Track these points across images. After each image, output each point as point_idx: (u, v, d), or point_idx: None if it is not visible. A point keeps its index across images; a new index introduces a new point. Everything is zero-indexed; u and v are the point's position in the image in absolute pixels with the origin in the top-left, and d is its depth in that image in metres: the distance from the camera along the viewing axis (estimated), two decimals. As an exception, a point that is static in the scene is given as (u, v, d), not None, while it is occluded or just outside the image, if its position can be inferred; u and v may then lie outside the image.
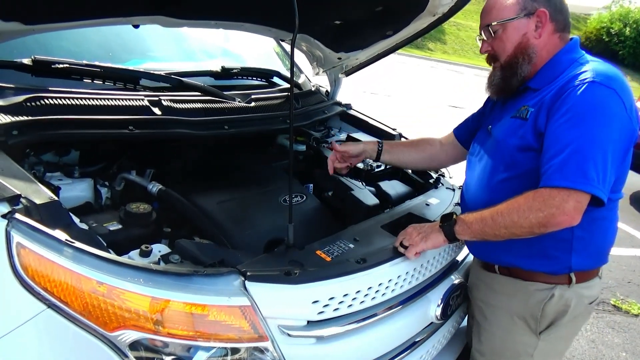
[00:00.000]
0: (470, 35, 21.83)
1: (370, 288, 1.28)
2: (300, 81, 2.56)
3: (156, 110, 1.65)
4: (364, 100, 7.24)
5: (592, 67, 1.33)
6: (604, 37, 24.14)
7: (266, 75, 2.35)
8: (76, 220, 1.20)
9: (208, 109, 1.82)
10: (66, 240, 1.02)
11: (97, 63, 1.66)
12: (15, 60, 1.53)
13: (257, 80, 2.33)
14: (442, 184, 2.07)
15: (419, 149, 1.86)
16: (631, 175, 1.70)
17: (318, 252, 1.33)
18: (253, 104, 2.00)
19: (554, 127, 1.29)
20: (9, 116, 1.33)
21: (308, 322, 1.18)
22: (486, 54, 1.53)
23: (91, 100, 1.53)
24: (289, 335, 1.14)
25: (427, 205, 1.83)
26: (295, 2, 1.15)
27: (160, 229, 1.47)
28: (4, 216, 1.02)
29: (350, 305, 1.24)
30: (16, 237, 1.01)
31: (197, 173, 1.82)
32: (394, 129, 2.47)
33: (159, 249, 1.28)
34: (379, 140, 1.86)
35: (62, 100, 1.47)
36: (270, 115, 2.01)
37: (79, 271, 1.00)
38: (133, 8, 1.60)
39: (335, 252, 1.35)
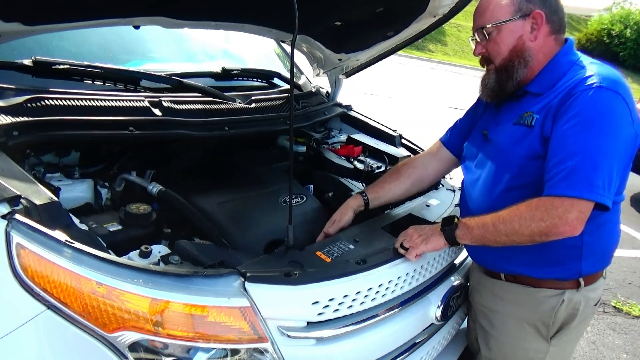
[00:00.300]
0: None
1: (370, 289, 1.27)
2: (300, 82, 2.56)
3: (156, 111, 1.65)
4: (365, 102, 7.23)
5: (595, 70, 1.31)
6: (604, 39, 24.12)
7: (266, 76, 2.35)
8: (76, 221, 1.20)
9: (208, 110, 1.82)
10: (66, 241, 1.01)
11: (97, 64, 1.66)
12: (15, 61, 1.54)
13: (257, 81, 2.33)
14: (442, 185, 2.06)
15: (404, 176, 1.72)
16: (632, 177, 1.70)
17: (318, 253, 1.33)
18: (253, 105, 2.00)
19: (560, 132, 1.27)
20: (10, 117, 1.33)
21: (308, 323, 1.18)
22: (479, 56, 1.49)
23: (91, 101, 1.53)
24: (288, 336, 1.14)
25: (427, 206, 1.83)
26: (295, 3, 1.15)
27: (160, 230, 1.47)
28: (3, 217, 1.02)
29: (350, 306, 1.24)
30: (16, 238, 1.01)
31: (197, 174, 1.82)
32: (394, 130, 2.47)
33: (159, 249, 1.27)
34: (361, 192, 1.70)
35: (63, 101, 1.47)
36: (271, 116, 2.01)
37: (79, 272, 1.00)
38: (133, 9, 1.60)
39: (335, 253, 1.35)
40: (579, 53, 1.43)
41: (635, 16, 24.55)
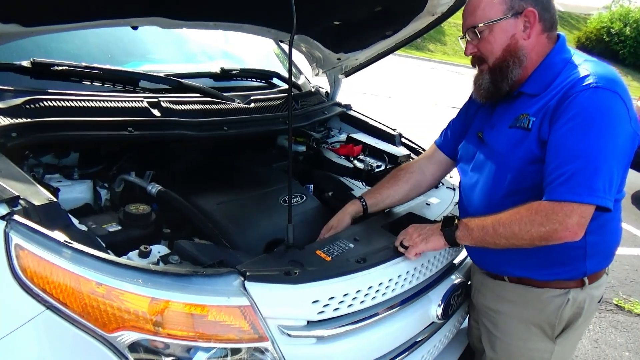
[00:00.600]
0: (471, 36, 21.73)
1: (370, 288, 1.27)
2: (299, 82, 2.56)
3: (155, 112, 1.65)
4: (364, 101, 7.23)
5: (591, 70, 1.29)
6: (604, 37, 24.09)
7: (265, 76, 2.35)
8: (75, 221, 1.20)
9: (207, 110, 1.82)
10: (65, 241, 1.01)
11: (96, 65, 1.66)
12: (14, 62, 1.54)
13: (256, 81, 2.33)
14: (443, 184, 2.06)
15: (403, 181, 1.70)
16: (633, 175, 1.70)
17: (318, 252, 1.33)
18: (252, 105, 1.99)
19: (558, 135, 1.25)
20: (8, 118, 1.33)
21: (308, 322, 1.18)
22: (471, 56, 1.46)
23: (90, 102, 1.53)
24: (289, 335, 1.14)
25: (428, 204, 1.83)
26: (292, 3, 1.15)
27: (159, 230, 1.47)
28: (2, 218, 1.02)
29: (351, 305, 1.23)
30: (15, 239, 1.01)
31: (196, 174, 1.82)
32: (394, 129, 2.46)
33: (158, 249, 1.27)
34: (359, 198, 1.68)
35: (61, 102, 1.47)
36: (270, 116, 2.00)
37: (78, 272, 1.00)
38: (131, 9, 1.60)
39: (335, 251, 1.35)
40: (572, 49, 1.41)
41: (634, 14, 24.52)
